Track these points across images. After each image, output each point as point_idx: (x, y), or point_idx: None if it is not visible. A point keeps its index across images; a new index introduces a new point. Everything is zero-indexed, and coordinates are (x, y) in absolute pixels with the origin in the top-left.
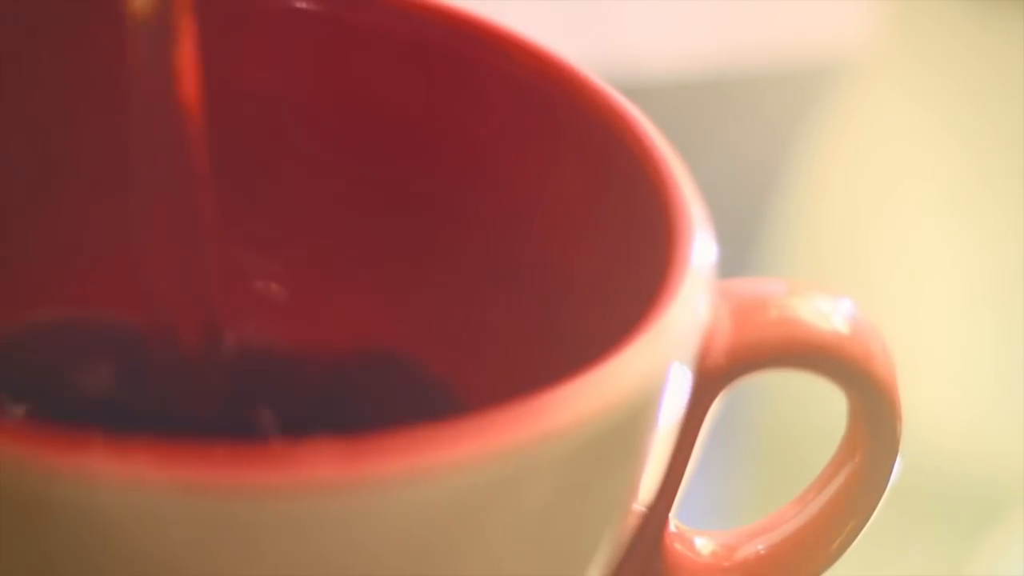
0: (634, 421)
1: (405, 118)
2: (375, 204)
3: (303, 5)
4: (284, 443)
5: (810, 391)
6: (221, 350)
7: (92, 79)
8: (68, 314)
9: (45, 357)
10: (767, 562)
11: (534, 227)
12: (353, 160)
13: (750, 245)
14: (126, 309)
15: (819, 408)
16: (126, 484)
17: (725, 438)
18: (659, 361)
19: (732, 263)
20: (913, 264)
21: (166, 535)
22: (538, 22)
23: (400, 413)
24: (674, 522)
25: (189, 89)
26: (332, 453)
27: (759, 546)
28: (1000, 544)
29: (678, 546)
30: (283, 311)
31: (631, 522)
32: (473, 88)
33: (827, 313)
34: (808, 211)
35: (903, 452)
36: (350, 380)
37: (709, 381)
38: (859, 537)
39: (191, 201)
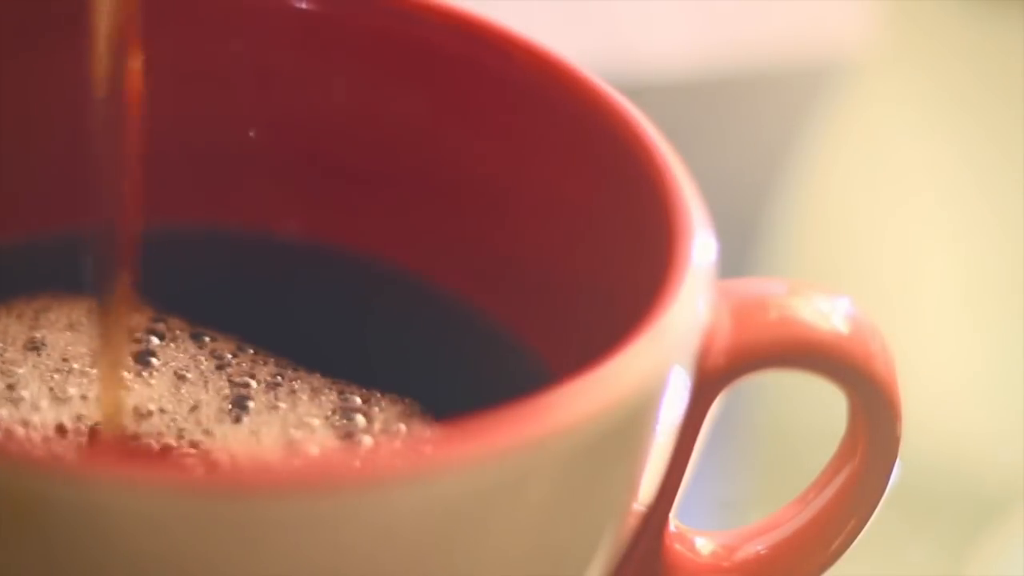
0: (634, 421)
1: (405, 118)
2: (373, 197)
3: (303, 5)
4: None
5: (810, 391)
6: None
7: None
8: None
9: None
10: (767, 562)
11: (534, 227)
12: (354, 159)
13: (750, 245)
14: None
15: (819, 408)
16: (126, 485)
17: (725, 438)
18: (659, 361)
19: (732, 263)
20: (913, 264)
21: (166, 536)
22: (538, 22)
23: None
24: (674, 522)
25: (135, 85)
26: (332, 454)
27: (759, 546)
28: (1000, 544)
29: (678, 546)
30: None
31: (631, 522)
32: (473, 88)
33: (827, 313)
34: (808, 211)
35: (903, 452)
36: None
37: (709, 381)
38: (859, 537)
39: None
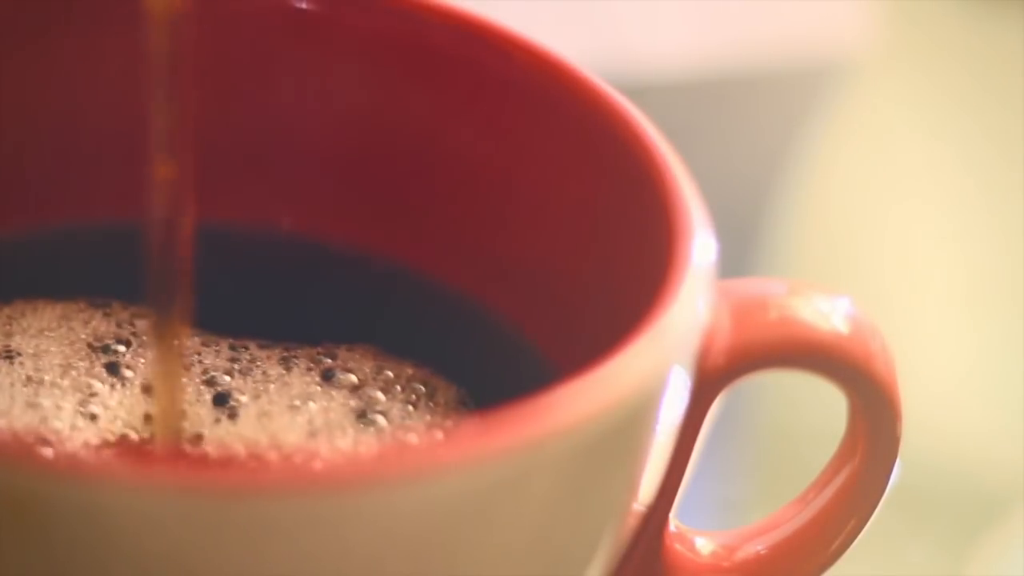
0: (634, 421)
1: (406, 119)
2: (376, 194)
3: (303, 5)
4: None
5: (810, 391)
6: None
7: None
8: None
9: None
10: (767, 562)
11: (534, 226)
12: (355, 158)
13: (750, 245)
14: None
15: (819, 408)
16: (128, 486)
17: (725, 438)
18: (659, 361)
19: (732, 263)
20: (913, 264)
21: (169, 536)
22: (538, 22)
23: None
24: (674, 522)
25: (186, 65)
26: (332, 454)
27: (759, 546)
28: (1000, 544)
29: (678, 546)
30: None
31: (631, 522)
32: (473, 88)
33: (827, 313)
34: (808, 211)
35: (903, 452)
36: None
37: (709, 381)
38: (859, 537)
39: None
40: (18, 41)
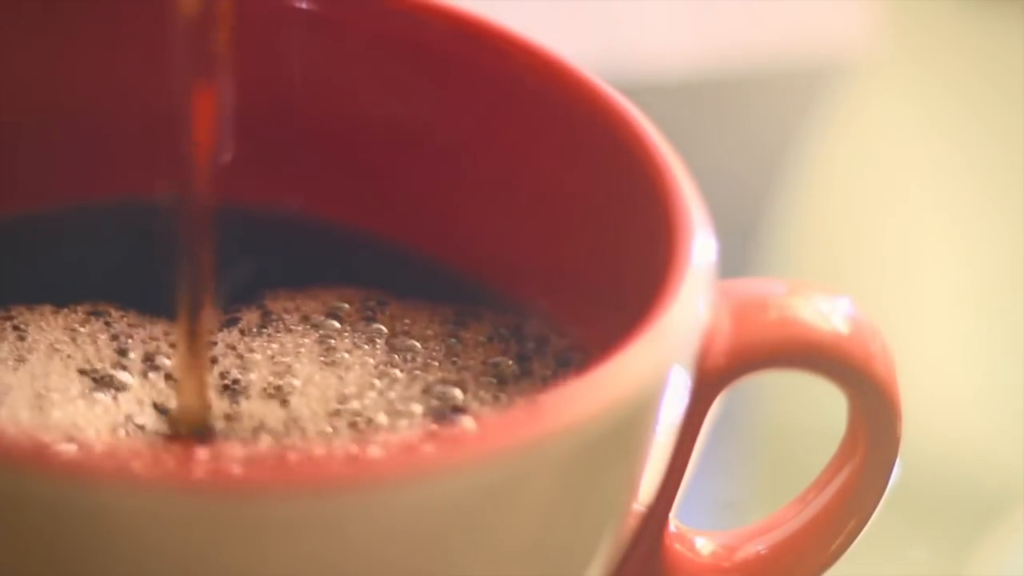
0: (634, 421)
1: (405, 119)
2: (381, 188)
3: (304, 6)
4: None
5: (810, 391)
6: None
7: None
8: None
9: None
10: (767, 562)
11: (535, 227)
12: (358, 153)
13: (750, 245)
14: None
15: (819, 408)
16: (129, 485)
17: (725, 438)
18: (659, 362)
19: (732, 263)
20: (913, 264)
21: (168, 536)
22: (538, 22)
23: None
24: (674, 522)
25: (222, 63)
26: (333, 454)
27: (759, 546)
28: (1000, 544)
29: (678, 546)
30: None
31: (631, 522)
32: (473, 88)
33: (826, 313)
34: (808, 211)
35: (903, 452)
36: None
37: (709, 381)
38: (859, 537)
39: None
40: (25, 19)
